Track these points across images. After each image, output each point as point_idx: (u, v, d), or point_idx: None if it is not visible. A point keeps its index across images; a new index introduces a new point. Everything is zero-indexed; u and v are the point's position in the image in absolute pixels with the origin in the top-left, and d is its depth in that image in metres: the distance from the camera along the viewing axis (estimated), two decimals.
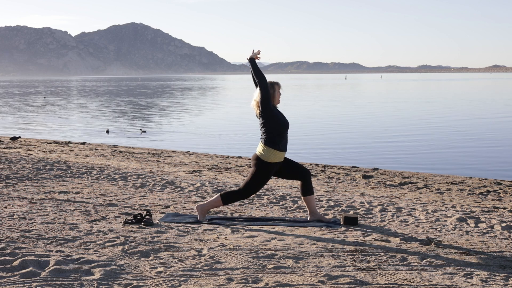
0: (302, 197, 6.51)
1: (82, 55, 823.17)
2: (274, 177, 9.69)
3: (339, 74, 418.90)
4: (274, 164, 6.17)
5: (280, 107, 6.31)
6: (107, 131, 21.48)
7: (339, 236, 5.77)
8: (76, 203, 7.27)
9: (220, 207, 7.12)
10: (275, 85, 6.21)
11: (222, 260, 4.86)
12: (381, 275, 4.52)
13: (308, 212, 6.44)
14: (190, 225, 6.17)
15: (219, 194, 6.39)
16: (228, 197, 6.31)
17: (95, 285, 4.19)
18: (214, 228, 6.04)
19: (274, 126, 6.11)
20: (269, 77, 6.41)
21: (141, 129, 21.94)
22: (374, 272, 4.61)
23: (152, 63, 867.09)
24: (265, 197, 7.89)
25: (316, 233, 5.92)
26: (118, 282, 4.28)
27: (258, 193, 8.14)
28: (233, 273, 4.52)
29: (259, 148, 6.21)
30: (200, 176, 9.94)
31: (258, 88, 6.14)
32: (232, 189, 6.42)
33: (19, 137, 17.73)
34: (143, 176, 9.67)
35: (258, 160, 6.18)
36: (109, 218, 6.44)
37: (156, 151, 14.59)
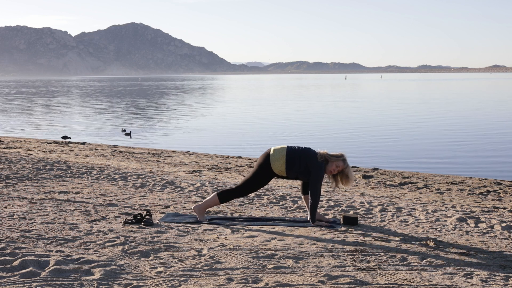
0: (302, 196, 6.51)
1: (82, 55, 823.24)
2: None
3: (339, 74, 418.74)
4: (275, 172, 6.16)
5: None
6: (129, 134, 20.40)
7: (339, 236, 5.77)
8: (76, 203, 7.27)
9: (220, 207, 7.12)
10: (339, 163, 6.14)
11: (222, 260, 4.86)
12: (381, 275, 4.52)
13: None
14: (190, 225, 6.17)
15: (215, 193, 6.37)
16: (225, 196, 6.30)
17: (95, 285, 4.19)
18: (214, 228, 6.04)
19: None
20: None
21: (124, 131, 21.12)
22: (374, 272, 4.61)
23: (152, 63, 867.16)
24: (265, 197, 7.89)
25: (316, 233, 5.92)
26: (118, 282, 4.28)
27: (258, 193, 8.13)
28: (233, 273, 4.52)
29: (276, 148, 6.20)
30: (200, 176, 9.94)
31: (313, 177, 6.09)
32: (229, 187, 6.42)
33: (70, 137, 18.32)
34: (143, 176, 9.67)
35: (265, 160, 6.17)
36: (109, 218, 6.44)
37: (156, 151, 14.59)
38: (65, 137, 18.06)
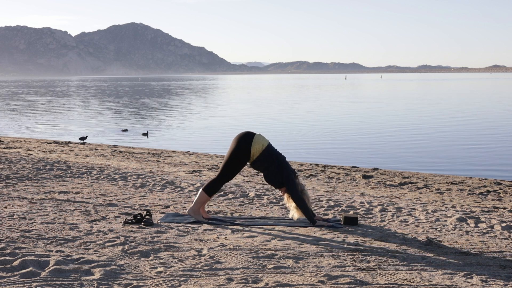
0: (202, 189, 6.44)
1: (82, 55, 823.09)
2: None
3: (339, 74, 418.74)
4: (250, 153, 6.21)
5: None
6: (146, 134, 20.34)
7: (339, 236, 5.78)
8: (76, 203, 7.27)
9: (220, 207, 7.12)
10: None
11: (222, 260, 4.86)
12: (381, 275, 4.52)
13: (193, 204, 6.40)
14: (190, 225, 6.17)
15: (201, 189, 6.39)
16: (211, 188, 6.33)
17: (95, 285, 4.19)
18: (214, 228, 6.04)
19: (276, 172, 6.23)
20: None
21: (125, 130, 21.05)
22: (374, 272, 4.61)
23: (152, 63, 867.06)
24: (265, 197, 7.89)
25: (316, 233, 5.93)
26: (118, 282, 4.28)
27: (258, 193, 8.14)
28: (233, 273, 4.52)
29: (261, 135, 6.34)
30: (200, 176, 9.94)
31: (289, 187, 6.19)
32: (211, 178, 6.46)
33: (87, 137, 18.21)
34: (143, 176, 9.67)
35: (247, 139, 6.23)
36: (109, 218, 6.44)
37: (156, 151, 14.59)
38: (82, 138, 18.00)
